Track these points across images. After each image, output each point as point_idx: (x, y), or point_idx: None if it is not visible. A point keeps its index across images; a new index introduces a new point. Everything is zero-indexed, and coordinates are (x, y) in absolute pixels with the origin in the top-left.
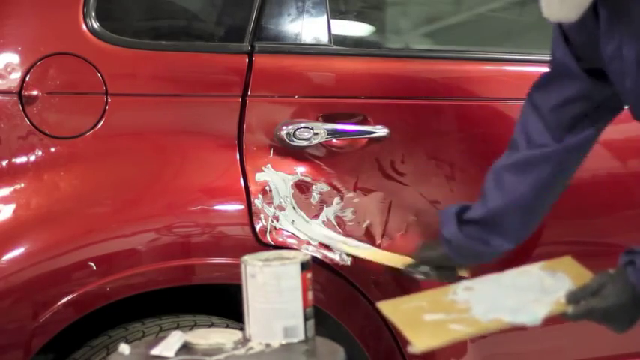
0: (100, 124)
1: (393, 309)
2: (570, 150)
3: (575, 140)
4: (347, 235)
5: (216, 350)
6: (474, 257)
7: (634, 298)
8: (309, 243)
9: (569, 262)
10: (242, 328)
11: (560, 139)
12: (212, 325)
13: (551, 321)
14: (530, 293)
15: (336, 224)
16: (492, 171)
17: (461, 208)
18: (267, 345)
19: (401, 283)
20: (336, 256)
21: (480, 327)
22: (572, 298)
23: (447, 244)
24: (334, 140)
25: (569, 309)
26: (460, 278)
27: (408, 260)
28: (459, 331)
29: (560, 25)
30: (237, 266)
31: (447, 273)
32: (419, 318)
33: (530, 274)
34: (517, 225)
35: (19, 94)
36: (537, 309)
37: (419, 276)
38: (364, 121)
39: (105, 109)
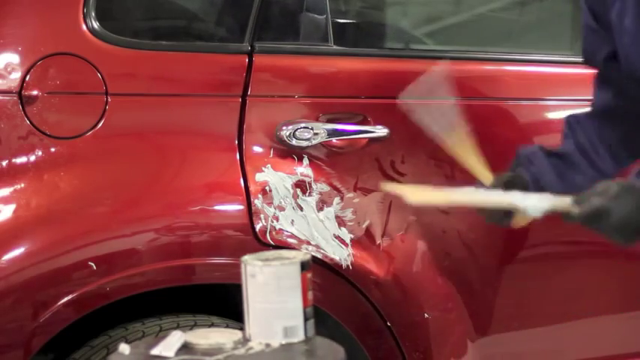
0: (100, 124)
1: (394, 187)
2: None
3: None
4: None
5: (216, 350)
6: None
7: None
8: (309, 243)
9: None
10: (242, 328)
11: None
12: (212, 325)
13: (551, 321)
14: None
15: (336, 224)
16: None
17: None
18: (267, 345)
19: (401, 283)
20: (336, 256)
21: (481, 199)
22: (578, 199)
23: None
24: (334, 140)
25: (575, 209)
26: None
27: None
28: (459, 196)
29: None
30: (237, 266)
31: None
32: (421, 190)
33: None
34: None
35: (19, 94)
36: (541, 201)
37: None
38: (364, 121)
39: (105, 109)
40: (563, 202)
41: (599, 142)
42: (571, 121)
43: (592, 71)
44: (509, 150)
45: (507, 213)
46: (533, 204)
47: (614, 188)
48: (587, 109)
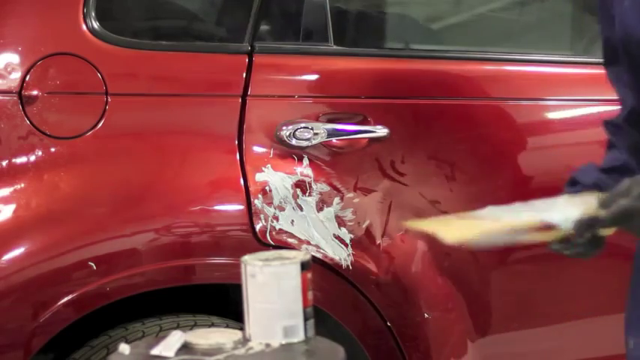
0: (100, 124)
1: (417, 223)
2: None
3: None
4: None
5: (216, 350)
6: None
7: None
8: (309, 243)
9: None
10: (242, 328)
11: None
12: (212, 325)
13: (551, 321)
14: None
15: (336, 224)
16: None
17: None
18: (267, 345)
19: (401, 283)
20: (336, 256)
21: (512, 224)
22: (604, 202)
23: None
24: (334, 140)
25: (602, 213)
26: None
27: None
28: (490, 226)
29: None
30: (237, 266)
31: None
32: (447, 221)
33: None
34: None
35: (19, 94)
36: (569, 210)
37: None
38: (364, 121)
39: (105, 109)
40: (590, 207)
41: None
42: (610, 127)
43: (591, 71)
44: (508, 150)
45: (592, 241)
46: (563, 217)
47: (637, 187)
48: (618, 115)
